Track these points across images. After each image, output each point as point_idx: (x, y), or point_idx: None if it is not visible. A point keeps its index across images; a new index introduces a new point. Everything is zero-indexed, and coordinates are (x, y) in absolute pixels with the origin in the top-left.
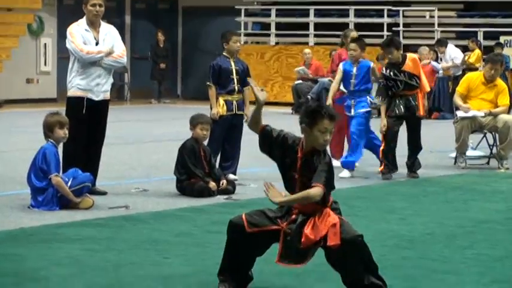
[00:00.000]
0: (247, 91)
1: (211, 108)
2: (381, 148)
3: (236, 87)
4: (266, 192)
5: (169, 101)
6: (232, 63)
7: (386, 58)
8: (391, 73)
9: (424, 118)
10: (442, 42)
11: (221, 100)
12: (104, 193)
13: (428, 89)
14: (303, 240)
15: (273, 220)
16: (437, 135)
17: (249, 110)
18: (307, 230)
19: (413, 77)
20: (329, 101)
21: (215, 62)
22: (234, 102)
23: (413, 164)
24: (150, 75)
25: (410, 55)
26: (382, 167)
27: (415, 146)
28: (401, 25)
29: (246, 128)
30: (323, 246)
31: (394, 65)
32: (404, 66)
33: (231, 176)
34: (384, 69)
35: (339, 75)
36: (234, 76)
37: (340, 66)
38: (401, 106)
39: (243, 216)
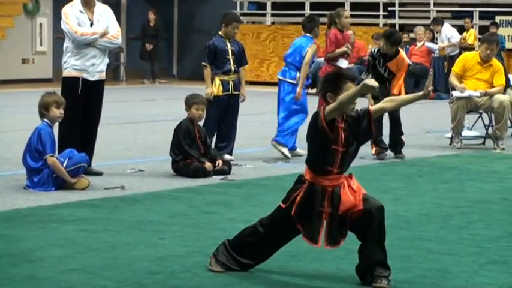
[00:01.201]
0: (243, 71)
1: (207, 89)
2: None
3: (232, 68)
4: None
5: (165, 81)
6: (228, 44)
7: (380, 46)
8: (377, 59)
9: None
10: (438, 21)
11: (217, 80)
12: (99, 174)
13: (396, 91)
14: (341, 207)
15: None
16: (433, 115)
17: (245, 89)
18: (343, 193)
19: (391, 74)
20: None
21: (211, 42)
22: (230, 82)
23: (396, 145)
24: (139, 55)
25: (401, 54)
26: (374, 150)
27: (395, 126)
28: (397, 5)
29: (242, 108)
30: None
31: (385, 55)
32: (390, 63)
33: (227, 157)
34: (374, 50)
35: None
36: (230, 56)
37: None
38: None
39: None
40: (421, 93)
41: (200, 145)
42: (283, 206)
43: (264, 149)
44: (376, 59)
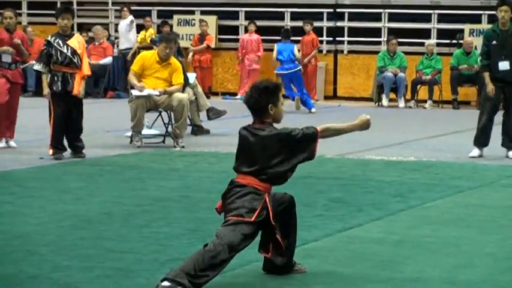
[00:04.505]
0: None
1: None
2: (50, 132)
3: None
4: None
5: None
6: None
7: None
8: (56, 42)
9: (83, 97)
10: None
11: None
12: None
13: (87, 73)
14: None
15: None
16: (112, 114)
17: None
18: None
19: (76, 55)
20: None
21: None
22: None
23: (77, 144)
24: None
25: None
26: (52, 151)
27: (78, 126)
28: (75, 4)
29: None
30: None
31: (61, 35)
32: (70, 40)
33: None
34: (50, 35)
35: None
36: None
37: None
38: (59, 83)
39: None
40: (357, 122)
41: None
42: (250, 220)
43: None
44: (55, 43)
